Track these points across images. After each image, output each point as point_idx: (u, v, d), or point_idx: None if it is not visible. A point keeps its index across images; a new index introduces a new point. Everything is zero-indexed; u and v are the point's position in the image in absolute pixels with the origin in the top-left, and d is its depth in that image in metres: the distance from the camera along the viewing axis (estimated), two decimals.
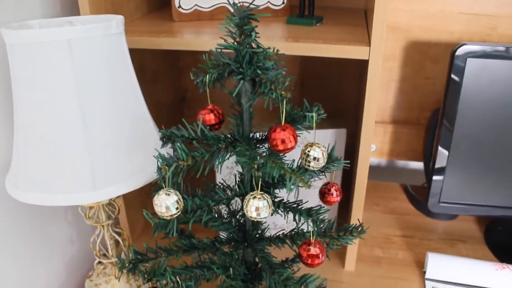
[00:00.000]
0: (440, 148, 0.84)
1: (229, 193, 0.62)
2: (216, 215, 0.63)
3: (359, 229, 0.61)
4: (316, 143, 0.58)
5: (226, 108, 0.59)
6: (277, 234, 0.65)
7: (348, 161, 0.63)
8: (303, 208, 0.56)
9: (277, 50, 0.56)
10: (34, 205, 0.75)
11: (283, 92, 0.51)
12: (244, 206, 0.52)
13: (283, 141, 0.51)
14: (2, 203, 0.69)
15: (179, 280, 0.58)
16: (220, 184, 0.63)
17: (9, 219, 0.70)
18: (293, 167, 0.58)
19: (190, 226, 0.62)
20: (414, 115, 1.04)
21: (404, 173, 1.21)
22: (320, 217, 0.54)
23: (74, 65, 0.55)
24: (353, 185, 0.80)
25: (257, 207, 0.52)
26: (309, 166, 0.58)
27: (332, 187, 0.65)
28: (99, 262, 0.82)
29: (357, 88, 1.03)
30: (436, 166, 0.86)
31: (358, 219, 0.73)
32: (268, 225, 0.80)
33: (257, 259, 0.67)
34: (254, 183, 0.57)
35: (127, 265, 0.62)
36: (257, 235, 0.65)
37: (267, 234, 0.66)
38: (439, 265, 0.83)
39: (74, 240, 0.87)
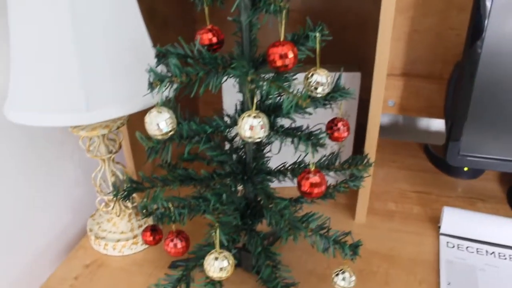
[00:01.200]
0: (461, 96, 0.79)
1: (228, 121, 0.59)
2: (213, 145, 0.60)
3: (365, 162, 0.57)
4: (321, 68, 0.54)
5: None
6: (278, 168, 0.62)
7: (354, 92, 0.58)
8: (302, 133, 0.53)
9: None
10: (40, 145, 0.75)
11: (281, 4, 0.47)
12: (238, 126, 0.49)
13: (281, 56, 0.48)
14: (7, 142, 0.68)
15: (171, 207, 0.56)
16: (219, 112, 0.60)
17: (13, 158, 0.70)
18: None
19: (186, 153, 0.60)
20: (436, 69, 0.98)
21: (424, 133, 1.15)
22: (321, 141, 0.51)
23: None
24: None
25: (251, 125, 0.48)
26: (312, 92, 0.54)
27: (340, 122, 0.62)
28: (104, 203, 0.81)
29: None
30: (457, 115, 0.81)
31: (363, 151, 0.68)
32: (270, 158, 0.77)
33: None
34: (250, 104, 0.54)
35: (121, 192, 0.61)
36: (259, 168, 0.62)
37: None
38: (455, 220, 0.79)
39: (80, 181, 0.86)
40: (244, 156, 0.62)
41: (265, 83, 0.49)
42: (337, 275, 0.60)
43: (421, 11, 0.94)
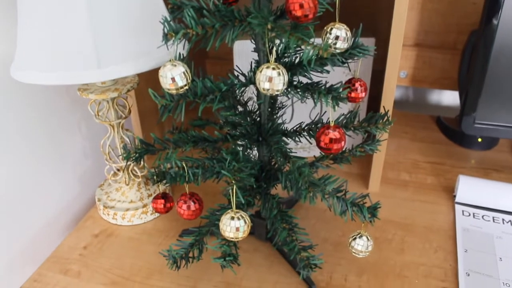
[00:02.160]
0: (477, 66, 0.77)
1: (244, 80, 0.57)
2: (228, 105, 0.58)
3: (385, 119, 0.56)
4: (340, 23, 0.52)
5: None
6: (294, 128, 0.60)
7: (375, 47, 0.56)
8: (322, 87, 0.51)
9: None
10: (46, 114, 0.73)
11: None
12: (257, 78, 0.47)
13: (301, 6, 0.46)
14: (13, 113, 0.66)
15: (185, 166, 0.54)
16: (234, 70, 0.58)
17: (19, 129, 0.68)
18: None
19: (200, 112, 0.58)
20: (450, 38, 0.96)
21: (436, 105, 1.14)
22: (342, 94, 0.49)
23: None
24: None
25: (270, 76, 0.47)
26: (331, 47, 0.52)
27: (357, 82, 0.60)
28: (113, 172, 0.80)
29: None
30: (472, 84, 0.79)
31: (384, 107, 0.66)
32: (285, 119, 0.74)
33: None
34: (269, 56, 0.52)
35: (132, 154, 0.59)
36: (274, 129, 0.60)
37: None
38: (471, 188, 0.77)
39: (87, 151, 0.84)
40: (258, 118, 0.60)
41: (284, 34, 0.47)
42: (354, 239, 0.58)
43: None
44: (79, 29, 0.53)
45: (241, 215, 0.50)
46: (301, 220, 0.75)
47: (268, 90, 0.47)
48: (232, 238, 0.51)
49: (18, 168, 0.69)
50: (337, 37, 0.51)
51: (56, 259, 0.69)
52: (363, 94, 0.60)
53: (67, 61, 0.54)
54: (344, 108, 0.84)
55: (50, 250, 0.76)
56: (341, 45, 0.52)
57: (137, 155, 0.59)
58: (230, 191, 0.49)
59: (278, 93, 0.48)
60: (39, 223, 0.74)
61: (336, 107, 0.49)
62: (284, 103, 0.63)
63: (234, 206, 0.50)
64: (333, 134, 0.50)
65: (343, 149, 0.63)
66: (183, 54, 0.57)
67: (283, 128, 0.60)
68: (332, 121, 0.50)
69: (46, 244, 0.76)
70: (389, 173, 0.85)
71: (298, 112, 0.84)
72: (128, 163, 0.74)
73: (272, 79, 0.47)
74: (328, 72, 0.56)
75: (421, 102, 1.14)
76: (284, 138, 0.60)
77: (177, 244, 0.60)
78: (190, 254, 0.60)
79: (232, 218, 0.50)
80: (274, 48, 0.49)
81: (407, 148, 0.93)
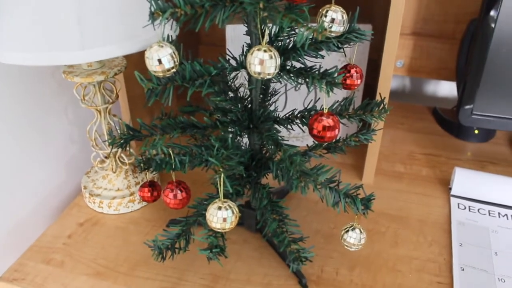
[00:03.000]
0: (476, 56, 0.75)
1: (235, 64, 0.54)
2: (218, 90, 0.56)
3: (381, 107, 0.53)
4: (336, 6, 0.50)
5: None
6: (286, 115, 0.58)
7: (372, 32, 0.54)
8: (316, 72, 0.49)
9: None
10: (32, 98, 0.70)
11: None
12: (247, 61, 0.45)
13: None
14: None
15: (171, 153, 0.52)
16: (226, 55, 0.56)
17: (3, 112, 0.65)
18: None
19: (189, 97, 0.56)
20: (448, 28, 0.94)
21: (432, 96, 1.11)
22: (336, 80, 0.46)
23: None
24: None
25: (261, 59, 0.44)
26: (326, 31, 0.50)
27: (352, 68, 0.57)
28: (100, 159, 0.77)
29: None
30: (470, 75, 0.77)
31: (380, 94, 0.64)
32: (277, 106, 0.70)
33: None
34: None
35: (117, 140, 0.56)
36: (266, 116, 0.58)
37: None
38: (467, 181, 0.75)
39: (74, 139, 0.81)
40: (249, 105, 0.58)
41: (278, 14, 0.44)
42: (346, 231, 0.56)
43: None
44: (62, 8, 0.51)
45: (228, 205, 0.48)
46: (292, 211, 0.73)
47: (259, 73, 0.45)
48: (219, 229, 0.48)
49: (0, 154, 0.66)
50: (332, 20, 0.49)
51: (39, 248, 0.67)
52: (359, 81, 0.58)
53: (50, 43, 0.51)
54: (339, 95, 0.82)
55: (34, 239, 0.74)
56: (337, 28, 0.49)
57: (122, 141, 0.57)
58: (218, 179, 0.47)
59: (269, 77, 0.45)
60: (22, 211, 0.71)
61: (331, 93, 0.47)
62: (277, 90, 0.61)
63: (221, 195, 0.48)
64: (327, 121, 0.48)
65: (337, 138, 0.61)
66: (171, 36, 0.54)
67: (275, 115, 0.58)
68: (325, 108, 0.48)
69: (30, 232, 0.73)
70: (384, 165, 0.83)
71: (292, 100, 0.82)
72: (115, 149, 0.71)
73: (263, 62, 0.44)
74: (322, 57, 0.54)
75: (418, 93, 1.12)
76: (276, 126, 0.57)
77: (163, 234, 0.58)
78: (177, 245, 0.58)
79: (219, 208, 0.48)
80: (267, 31, 0.46)
81: (403, 139, 0.91)
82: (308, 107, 0.57)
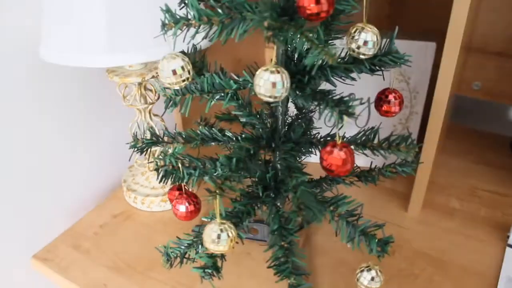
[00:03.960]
0: None
1: None
2: (241, 104, 0.54)
3: (409, 142, 0.48)
4: (368, 25, 0.45)
5: None
6: (311, 137, 0.55)
7: (409, 57, 0.48)
8: (331, 97, 0.44)
9: None
10: (88, 89, 0.74)
11: None
12: (254, 82, 0.42)
13: (310, 2, 0.40)
14: (50, 86, 0.67)
15: (180, 165, 0.51)
16: (249, 68, 0.54)
17: (58, 100, 0.69)
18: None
19: (207, 109, 0.55)
20: None
21: None
22: (350, 109, 0.42)
23: None
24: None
25: (267, 81, 0.41)
26: (354, 52, 0.46)
27: (391, 94, 0.52)
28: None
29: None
30: None
31: (408, 129, 0.57)
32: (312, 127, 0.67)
33: None
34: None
35: (139, 144, 0.57)
36: (289, 136, 0.54)
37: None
38: None
39: (126, 133, 0.84)
40: (274, 121, 0.55)
41: (286, 33, 0.41)
42: (362, 271, 0.51)
43: None
44: (94, 14, 0.52)
45: (225, 227, 0.46)
46: (319, 235, 0.69)
47: (264, 96, 0.42)
48: (213, 250, 0.47)
49: (55, 142, 0.71)
50: (363, 42, 0.45)
51: (73, 233, 0.70)
52: (397, 108, 0.52)
53: (80, 44, 0.53)
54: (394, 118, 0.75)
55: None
56: (367, 50, 0.45)
57: (143, 145, 0.57)
58: (213, 200, 0.45)
59: (277, 100, 0.42)
60: (73, 195, 0.76)
61: (345, 122, 0.43)
62: (314, 109, 0.57)
63: (218, 217, 0.46)
64: (338, 153, 0.44)
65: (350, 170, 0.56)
66: (193, 47, 0.53)
67: (299, 137, 0.54)
68: (339, 139, 0.44)
69: (75, 215, 0.78)
70: (437, 197, 0.75)
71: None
72: (154, 148, 0.73)
73: (270, 84, 0.41)
74: (353, 79, 0.50)
75: (496, 119, 0.99)
76: (298, 148, 0.54)
77: (174, 242, 0.58)
78: (187, 255, 0.57)
79: (215, 229, 0.46)
80: (280, 49, 0.43)
81: (467, 170, 0.82)
82: (332, 133, 0.52)
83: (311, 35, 0.40)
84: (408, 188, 0.77)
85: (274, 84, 0.41)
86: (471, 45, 0.86)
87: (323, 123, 0.80)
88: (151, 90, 0.69)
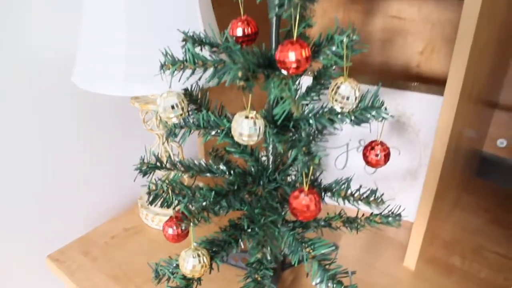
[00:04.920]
0: None
1: None
2: (235, 141, 0.58)
3: (376, 197, 0.49)
4: (350, 79, 0.48)
5: None
6: (295, 182, 0.57)
7: (388, 114, 0.50)
8: (302, 146, 0.47)
9: None
10: (111, 107, 0.82)
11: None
12: (232, 123, 0.46)
13: (292, 56, 0.43)
14: (80, 105, 0.75)
15: (170, 192, 0.55)
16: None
17: (86, 117, 0.77)
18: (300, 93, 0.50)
19: (202, 143, 0.59)
20: None
21: None
22: (314, 160, 0.45)
23: None
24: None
25: (243, 126, 0.45)
26: (334, 103, 0.48)
27: (377, 145, 0.54)
28: None
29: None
30: None
31: (375, 182, 0.58)
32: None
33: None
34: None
35: (143, 168, 0.62)
36: (275, 176, 0.58)
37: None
38: None
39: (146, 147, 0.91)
40: (266, 158, 0.59)
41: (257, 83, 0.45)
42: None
43: None
44: (116, 47, 0.59)
45: (198, 254, 0.50)
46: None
47: (242, 140, 0.46)
48: (187, 274, 0.51)
49: (83, 157, 0.79)
50: (341, 96, 0.47)
51: (86, 240, 0.77)
52: (382, 161, 0.54)
53: (100, 73, 0.60)
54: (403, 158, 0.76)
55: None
56: (348, 105, 0.48)
57: (147, 169, 0.63)
58: (189, 227, 0.49)
59: (251, 143, 0.46)
60: (94, 205, 0.83)
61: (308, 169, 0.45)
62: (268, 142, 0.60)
63: (192, 244, 0.50)
64: (304, 199, 0.46)
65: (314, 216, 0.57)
66: (197, 85, 0.58)
67: (285, 177, 0.57)
68: (306, 185, 0.47)
69: (95, 220, 0.85)
70: (439, 252, 0.74)
71: (353, 162, 0.78)
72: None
73: (244, 129, 0.45)
74: (336, 128, 0.52)
75: None
76: (279, 189, 0.57)
77: (165, 261, 0.62)
78: (174, 274, 0.61)
79: (189, 255, 0.50)
80: (250, 96, 0.47)
81: (479, 228, 0.80)
82: (316, 176, 0.55)
83: (282, 86, 0.43)
84: (408, 239, 0.77)
85: (248, 130, 0.45)
86: (498, 102, 0.85)
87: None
88: None
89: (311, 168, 0.45)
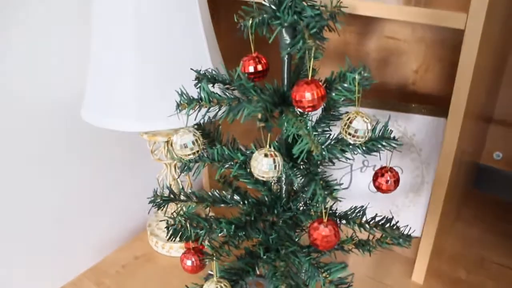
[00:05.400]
0: None
1: None
2: (248, 172, 0.59)
3: (392, 225, 0.51)
4: (362, 112, 0.50)
5: None
6: (309, 209, 0.59)
7: (399, 142, 0.52)
8: (319, 179, 0.49)
9: (340, 2, 0.50)
10: (120, 138, 0.83)
11: (309, 41, 0.44)
12: (251, 161, 0.48)
13: (307, 96, 0.45)
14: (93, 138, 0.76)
15: (188, 225, 0.57)
16: (258, 141, 0.59)
17: (95, 148, 0.78)
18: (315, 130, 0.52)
19: (217, 176, 0.61)
20: None
21: None
22: (333, 193, 0.46)
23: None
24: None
25: (262, 163, 0.47)
26: (347, 137, 0.50)
27: (387, 172, 0.56)
28: None
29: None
30: None
31: (390, 211, 0.60)
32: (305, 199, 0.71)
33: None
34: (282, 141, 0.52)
35: (157, 200, 0.64)
36: (289, 205, 0.59)
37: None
38: None
39: (154, 175, 0.92)
40: (279, 188, 0.60)
41: (289, 121, 0.47)
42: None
43: None
44: (128, 86, 0.60)
45: (221, 286, 0.52)
46: None
47: (260, 176, 0.47)
48: None
49: (91, 185, 0.79)
50: (356, 130, 0.49)
51: (97, 270, 0.77)
52: (392, 187, 0.56)
53: (114, 110, 0.61)
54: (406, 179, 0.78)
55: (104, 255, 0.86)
56: (360, 138, 0.50)
57: (161, 202, 0.64)
58: (211, 263, 0.50)
59: (273, 179, 0.48)
60: (103, 233, 0.84)
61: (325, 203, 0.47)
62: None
63: (215, 276, 0.51)
64: (323, 230, 0.48)
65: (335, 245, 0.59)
66: (209, 118, 0.60)
67: (299, 206, 0.59)
68: (325, 215, 0.48)
69: (105, 250, 0.86)
70: (445, 266, 0.77)
71: (357, 182, 0.81)
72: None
73: (263, 166, 0.47)
74: (348, 158, 0.54)
75: None
76: (295, 219, 0.59)
77: None
78: None
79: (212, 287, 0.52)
80: (269, 136, 0.49)
81: (480, 240, 0.83)
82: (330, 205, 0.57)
83: (298, 123, 0.45)
84: (415, 254, 0.79)
85: (267, 167, 0.47)
86: (493, 117, 0.88)
87: None
88: None
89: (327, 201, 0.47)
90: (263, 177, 0.47)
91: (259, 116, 0.45)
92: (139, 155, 0.87)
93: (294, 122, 0.47)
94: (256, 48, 0.53)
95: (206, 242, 0.51)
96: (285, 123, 0.47)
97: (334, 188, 0.47)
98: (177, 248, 0.79)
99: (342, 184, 0.48)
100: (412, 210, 0.80)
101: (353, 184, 0.81)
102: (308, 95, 0.45)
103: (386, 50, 0.91)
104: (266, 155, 0.47)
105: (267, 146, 0.48)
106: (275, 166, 0.47)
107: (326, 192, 0.47)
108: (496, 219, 0.88)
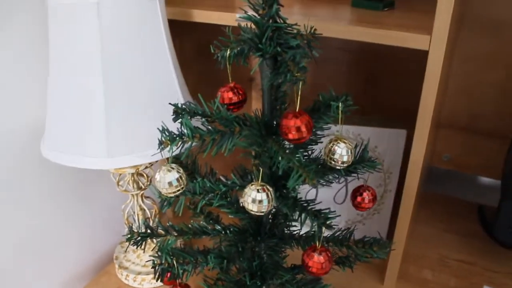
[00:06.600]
0: None
1: (244, 181, 0.57)
2: (229, 201, 0.59)
3: (381, 244, 0.53)
4: (343, 138, 0.51)
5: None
6: (294, 233, 0.60)
7: (380, 165, 0.54)
8: (311, 209, 0.50)
9: (314, 29, 0.50)
10: (80, 170, 0.78)
11: (297, 74, 0.45)
12: (242, 197, 0.48)
13: (297, 129, 0.45)
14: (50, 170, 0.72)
15: (174, 263, 0.55)
16: (237, 170, 0.59)
17: (56, 180, 0.73)
18: (305, 160, 0.53)
19: (199, 208, 0.60)
20: (502, 126, 0.89)
21: (482, 191, 1.06)
22: (327, 221, 0.47)
23: (101, 30, 0.55)
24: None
25: (254, 199, 0.47)
26: (331, 163, 0.51)
27: (365, 191, 0.58)
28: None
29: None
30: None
31: (379, 232, 0.63)
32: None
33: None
34: (258, 173, 0.52)
35: (135, 237, 0.61)
36: (273, 230, 0.59)
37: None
38: None
39: (118, 206, 0.88)
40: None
41: (279, 155, 0.47)
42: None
43: (487, 64, 0.86)
44: (95, 119, 0.57)
45: None
46: None
47: (252, 211, 0.47)
48: None
49: (49, 218, 0.74)
50: (340, 156, 0.50)
51: None
52: (370, 204, 0.58)
53: (83, 148, 0.58)
54: None
55: None
56: (343, 163, 0.51)
57: (139, 238, 0.62)
58: None
59: (263, 213, 0.48)
60: (63, 269, 0.79)
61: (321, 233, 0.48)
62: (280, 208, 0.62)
63: None
64: (318, 258, 0.49)
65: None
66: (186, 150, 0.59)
67: (283, 232, 0.60)
68: (318, 243, 0.49)
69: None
70: (411, 268, 0.81)
71: (322, 194, 0.83)
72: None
73: (256, 201, 0.47)
74: (332, 182, 0.55)
75: (465, 187, 1.06)
76: (281, 244, 0.59)
77: None
78: None
79: None
80: (261, 170, 0.49)
81: (439, 239, 0.88)
82: (313, 230, 0.58)
83: (288, 156, 0.45)
84: (385, 260, 0.83)
85: (260, 201, 0.47)
86: (441, 121, 0.94)
87: None
88: (143, 175, 0.74)
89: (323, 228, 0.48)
90: (255, 211, 0.47)
91: (253, 153, 0.45)
92: (100, 184, 0.83)
93: (282, 155, 0.47)
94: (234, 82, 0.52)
95: (203, 284, 0.49)
96: (273, 153, 0.48)
97: (328, 217, 0.48)
98: (149, 280, 0.76)
99: (335, 211, 0.49)
100: (376, 218, 0.84)
101: (319, 196, 0.83)
102: (296, 128, 0.45)
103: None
104: (258, 190, 0.47)
105: (259, 181, 0.47)
106: (268, 200, 0.47)
107: (320, 221, 0.47)
108: (451, 218, 0.94)
